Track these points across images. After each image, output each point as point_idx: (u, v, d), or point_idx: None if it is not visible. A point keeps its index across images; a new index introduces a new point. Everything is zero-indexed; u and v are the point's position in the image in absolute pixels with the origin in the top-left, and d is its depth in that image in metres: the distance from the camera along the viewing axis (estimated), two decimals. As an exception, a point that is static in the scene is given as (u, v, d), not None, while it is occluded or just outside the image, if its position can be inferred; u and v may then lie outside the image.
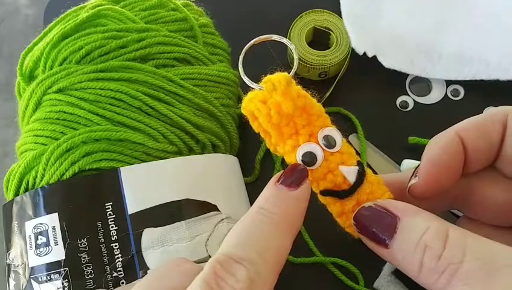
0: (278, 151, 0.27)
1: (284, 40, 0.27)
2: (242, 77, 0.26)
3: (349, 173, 0.26)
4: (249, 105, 0.26)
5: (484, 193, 0.28)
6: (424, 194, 0.27)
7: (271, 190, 0.25)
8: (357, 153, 0.27)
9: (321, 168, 0.26)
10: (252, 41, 0.27)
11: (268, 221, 0.24)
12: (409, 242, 0.23)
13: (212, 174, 0.35)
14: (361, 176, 0.26)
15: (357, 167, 0.26)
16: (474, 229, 0.29)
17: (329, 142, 0.26)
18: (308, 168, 0.26)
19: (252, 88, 0.26)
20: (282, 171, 0.25)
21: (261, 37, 0.27)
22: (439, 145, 0.27)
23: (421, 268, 0.23)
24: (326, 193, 0.26)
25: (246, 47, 0.27)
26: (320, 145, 0.26)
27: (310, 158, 0.26)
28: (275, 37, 0.27)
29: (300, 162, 0.26)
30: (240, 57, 0.27)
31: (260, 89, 0.25)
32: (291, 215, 0.24)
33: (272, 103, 0.25)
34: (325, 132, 0.26)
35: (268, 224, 0.24)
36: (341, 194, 0.26)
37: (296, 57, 0.27)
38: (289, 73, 0.26)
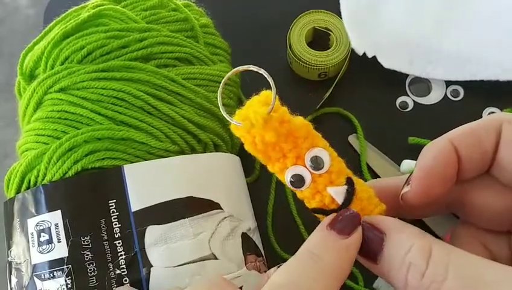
0: (269, 170, 0.27)
1: (262, 71, 0.26)
2: (221, 110, 0.25)
3: (338, 193, 0.26)
4: (235, 132, 0.26)
5: (479, 200, 0.28)
6: (416, 202, 0.27)
7: (321, 234, 0.25)
8: (356, 153, 0.27)
9: (310, 189, 0.26)
10: (228, 74, 0.26)
11: (315, 266, 0.24)
12: (394, 259, 0.24)
13: (215, 172, 0.35)
14: (350, 196, 0.26)
15: (345, 187, 0.26)
16: (471, 232, 0.29)
17: (317, 164, 0.25)
18: (296, 189, 0.26)
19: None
20: (334, 214, 0.25)
21: (238, 68, 0.26)
22: (432, 154, 0.27)
23: (406, 285, 0.23)
24: (316, 211, 0.26)
25: (224, 79, 0.26)
26: (307, 168, 0.26)
27: (297, 181, 0.26)
28: (252, 67, 0.26)
29: (288, 184, 0.26)
30: (219, 91, 0.26)
31: (239, 125, 0.25)
32: (339, 263, 0.24)
33: (255, 133, 0.25)
34: (312, 153, 0.25)
35: (316, 269, 0.24)
36: (330, 213, 0.26)
37: (274, 90, 0.25)
38: (272, 91, 0.24)
